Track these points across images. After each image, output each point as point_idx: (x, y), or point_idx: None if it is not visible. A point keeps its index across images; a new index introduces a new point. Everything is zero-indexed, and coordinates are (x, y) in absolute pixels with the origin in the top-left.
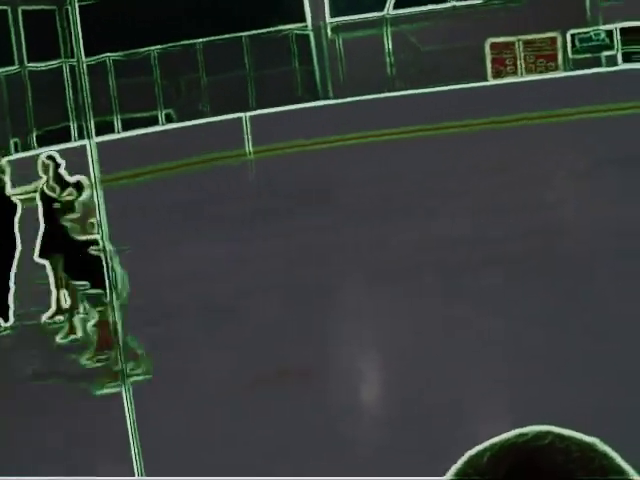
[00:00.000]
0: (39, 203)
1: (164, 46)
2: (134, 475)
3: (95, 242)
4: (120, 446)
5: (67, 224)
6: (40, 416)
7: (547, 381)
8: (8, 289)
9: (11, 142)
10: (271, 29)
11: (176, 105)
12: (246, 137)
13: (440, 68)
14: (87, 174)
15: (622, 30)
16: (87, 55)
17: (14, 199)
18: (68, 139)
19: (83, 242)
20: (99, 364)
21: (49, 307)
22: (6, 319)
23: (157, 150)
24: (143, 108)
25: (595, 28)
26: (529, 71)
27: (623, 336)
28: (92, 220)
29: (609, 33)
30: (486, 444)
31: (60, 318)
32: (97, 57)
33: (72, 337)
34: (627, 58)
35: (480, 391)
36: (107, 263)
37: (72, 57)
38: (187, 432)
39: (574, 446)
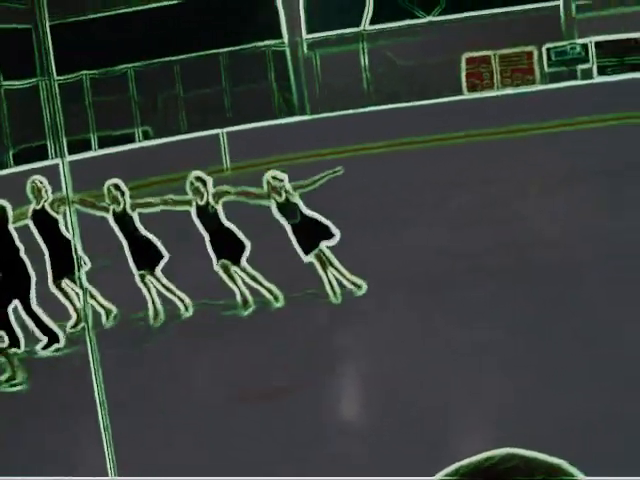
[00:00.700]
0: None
1: (141, 63)
2: None
3: None
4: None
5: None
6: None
7: (530, 389)
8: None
9: None
10: (247, 45)
11: (153, 122)
12: (223, 153)
13: (416, 82)
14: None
15: (597, 44)
16: (64, 73)
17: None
18: (45, 157)
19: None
20: None
21: None
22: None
23: (134, 167)
24: (120, 125)
25: (571, 42)
26: (505, 85)
27: (604, 343)
28: None
29: (584, 47)
30: (452, 467)
31: None
32: (74, 75)
33: None
34: (602, 71)
35: (463, 401)
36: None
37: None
38: (171, 449)
39: (539, 469)
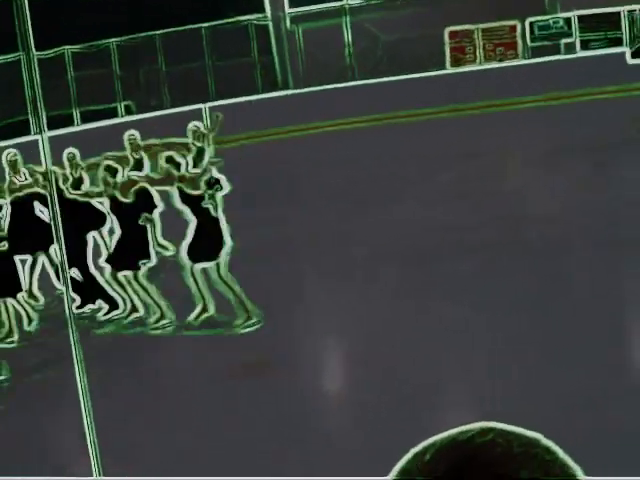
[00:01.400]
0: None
1: (123, 38)
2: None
3: None
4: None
5: None
6: None
7: (524, 366)
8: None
9: None
10: (230, 20)
11: (135, 97)
12: (207, 127)
13: (400, 57)
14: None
15: (580, 18)
16: (46, 48)
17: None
18: (27, 132)
19: None
20: None
21: None
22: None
23: (116, 142)
24: (102, 100)
25: (554, 16)
26: (488, 59)
27: (598, 319)
28: None
29: (567, 21)
30: (430, 441)
31: None
32: (56, 50)
33: None
34: (585, 45)
35: (455, 378)
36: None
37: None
38: (154, 425)
39: (516, 442)
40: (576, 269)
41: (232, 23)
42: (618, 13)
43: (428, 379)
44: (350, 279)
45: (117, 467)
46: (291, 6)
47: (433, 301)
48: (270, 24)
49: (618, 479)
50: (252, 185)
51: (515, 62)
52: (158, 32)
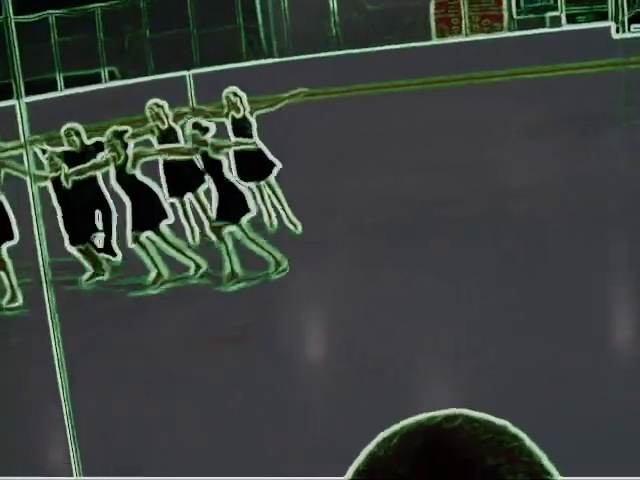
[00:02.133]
0: None
1: (108, 3)
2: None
3: None
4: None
5: None
6: None
7: (503, 341)
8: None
9: None
10: None
11: (119, 62)
12: (190, 95)
13: (385, 27)
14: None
15: None
16: (30, 12)
17: None
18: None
19: None
20: None
21: None
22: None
23: (100, 108)
24: (86, 65)
25: None
26: (474, 31)
27: (579, 293)
28: None
29: None
30: (397, 426)
31: None
32: (40, 14)
33: None
34: (571, 19)
35: (433, 352)
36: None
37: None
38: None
39: (482, 429)
40: (560, 240)
41: None
42: None
43: (410, 350)
44: (332, 250)
45: (94, 436)
46: None
47: (417, 273)
48: None
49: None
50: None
51: (500, 34)
52: None
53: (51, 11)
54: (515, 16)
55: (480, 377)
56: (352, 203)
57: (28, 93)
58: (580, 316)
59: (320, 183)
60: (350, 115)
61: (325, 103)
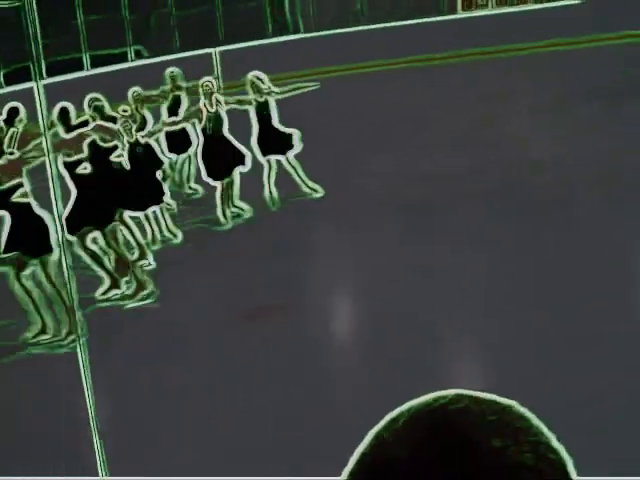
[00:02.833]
0: None
1: None
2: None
3: None
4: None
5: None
6: None
7: (531, 314)
8: None
9: None
10: None
11: (145, 41)
12: (216, 72)
13: (410, 0)
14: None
15: None
16: None
17: None
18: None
19: None
20: None
21: None
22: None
23: (126, 87)
24: (112, 44)
25: None
26: (500, 4)
27: (604, 266)
28: None
29: None
30: (404, 407)
31: None
32: None
33: None
34: None
35: (461, 327)
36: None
37: None
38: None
39: (489, 409)
40: (580, 214)
41: None
42: None
43: (434, 324)
44: (354, 226)
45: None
46: None
47: (437, 247)
48: None
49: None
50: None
51: (526, 7)
52: None
53: None
54: None
55: (503, 346)
56: (376, 178)
57: (54, 73)
58: (604, 289)
59: (342, 159)
60: (375, 90)
61: (349, 79)
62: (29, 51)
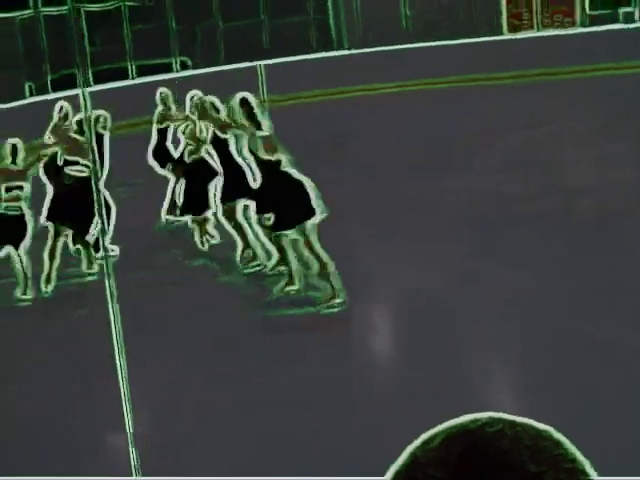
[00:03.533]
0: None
1: None
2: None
3: None
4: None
5: None
6: None
7: (575, 333)
8: None
9: (26, 86)
10: None
11: (191, 52)
12: (261, 85)
13: (457, 21)
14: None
15: None
16: (103, 1)
17: None
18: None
19: None
20: None
21: None
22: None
23: (172, 97)
24: (158, 55)
25: None
26: (545, 26)
27: None
28: None
29: None
30: (440, 427)
31: None
32: (113, 3)
33: None
34: None
35: (511, 343)
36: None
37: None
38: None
39: (525, 434)
40: (634, 240)
41: None
42: None
43: (492, 340)
44: (413, 244)
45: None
46: None
47: (497, 266)
48: None
49: None
50: (305, 145)
51: (573, 30)
52: None
53: (124, 0)
54: (588, 11)
55: (557, 364)
56: (432, 198)
57: (100, 81)
58: None
59: (396, 177)
60: (420, 110)
61: (393, 97)
62: (77, 60)
